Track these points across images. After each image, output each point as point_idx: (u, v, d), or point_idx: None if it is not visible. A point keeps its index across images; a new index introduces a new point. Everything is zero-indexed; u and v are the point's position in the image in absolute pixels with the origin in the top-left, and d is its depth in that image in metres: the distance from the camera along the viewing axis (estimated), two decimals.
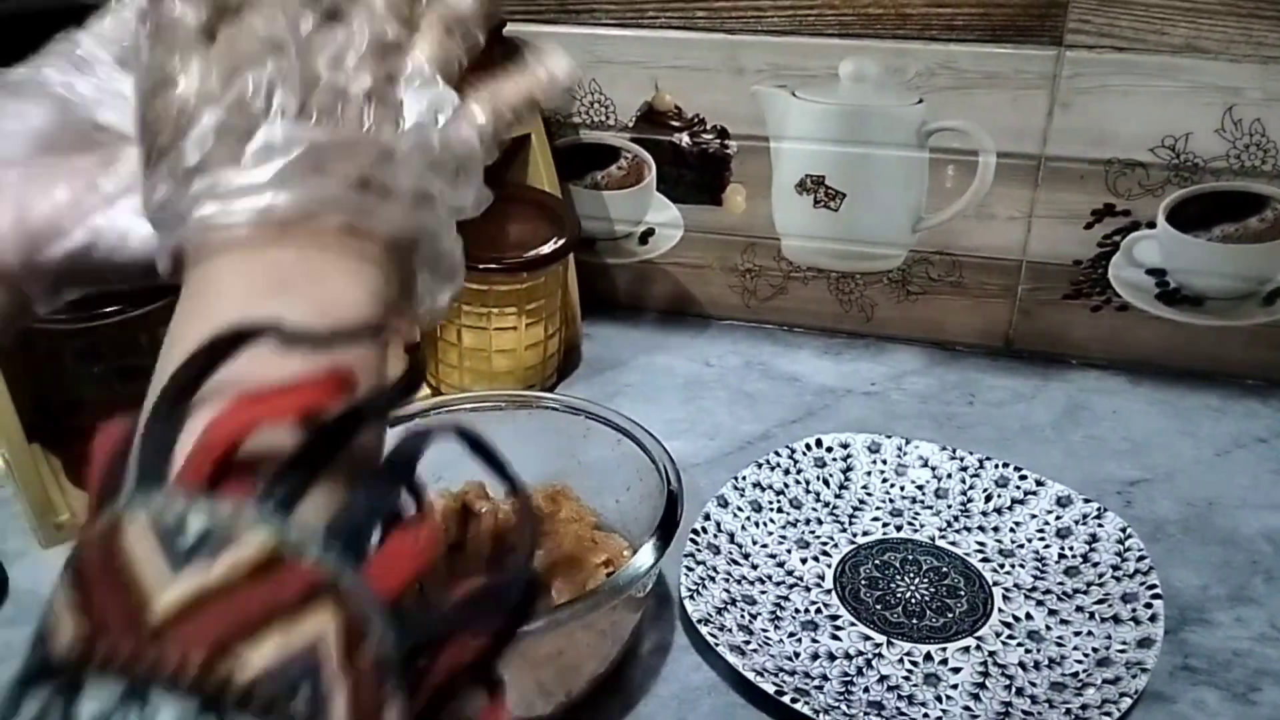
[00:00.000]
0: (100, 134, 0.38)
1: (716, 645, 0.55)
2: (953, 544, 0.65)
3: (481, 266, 0.74)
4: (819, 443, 0.71)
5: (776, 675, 0.55)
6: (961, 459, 0.70)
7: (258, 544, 0.23)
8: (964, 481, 0.69)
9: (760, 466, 0.69)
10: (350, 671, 0.23)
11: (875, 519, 0.67)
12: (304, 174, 0.29)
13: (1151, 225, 0.78)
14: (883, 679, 0.56)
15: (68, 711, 0.21)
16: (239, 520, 0.24)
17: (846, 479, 0.70)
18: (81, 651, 0.22)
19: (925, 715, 0.54)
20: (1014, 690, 0.55)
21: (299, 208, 0.29)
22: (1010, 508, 0.67)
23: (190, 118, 0.30)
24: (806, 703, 0.52)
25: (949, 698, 0.55)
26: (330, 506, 0.25)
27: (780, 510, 0.67)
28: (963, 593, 0.61)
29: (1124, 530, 0.63)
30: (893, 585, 0.62)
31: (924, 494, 0.69)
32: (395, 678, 0.24)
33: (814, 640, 0.58)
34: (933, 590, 0.62)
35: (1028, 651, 0.57)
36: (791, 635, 0.59)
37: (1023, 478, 0.68)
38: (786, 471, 0.69)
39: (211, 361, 0.26)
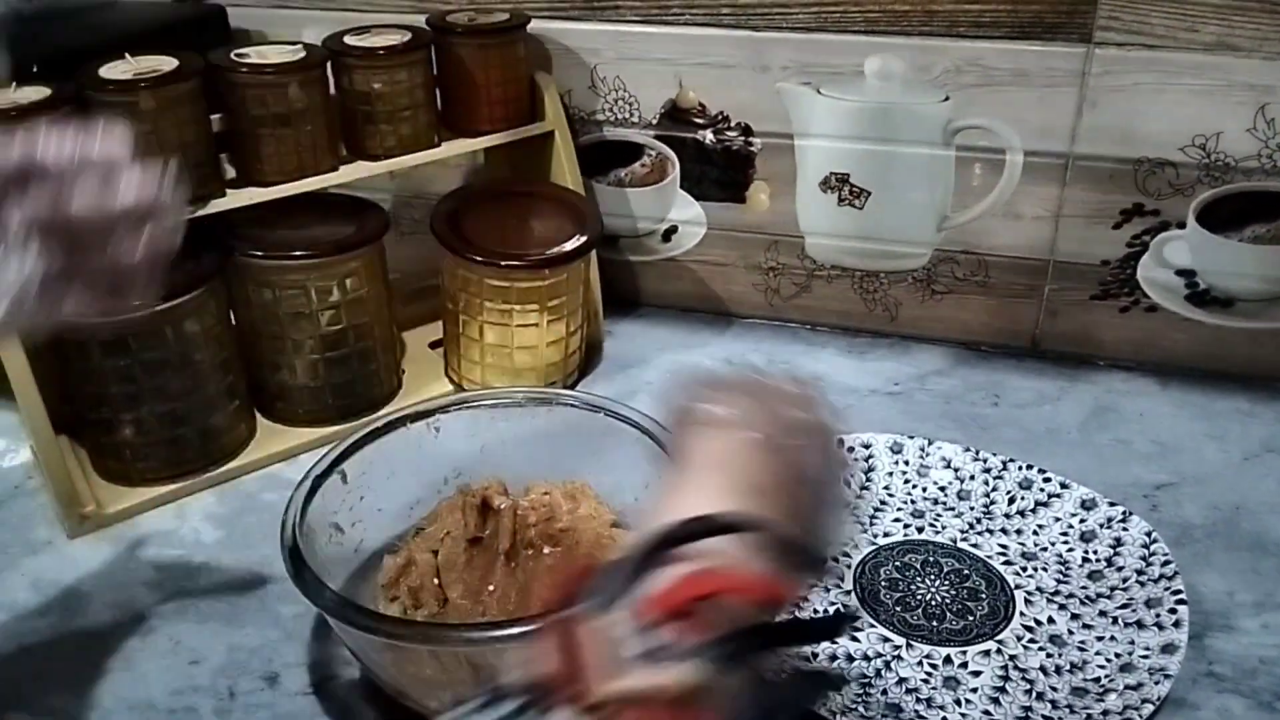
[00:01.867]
0: None
1: None
2: (975, 546, 0.65)
3: (504, 264, 0.75)
4: (841, 442, 0.71)
5: None
6: (985, 460, 0.69)
7: (682, 677, 0.30)
8: (987, 483, 0.68)
9: None
10: None
11: (896, 520, 0.67)
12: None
13: (1181, 225, 0.77)
14: (901, 681, 0.56)
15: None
16: (679, 652, 0.31)
17: (868, 479, 0.70)
18: (543, 690, 0.31)
19: (944, 719, 0.53)
20: (1034, 695, 0.54)
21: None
22: (1034, 510, 0.66)
23: None
24: (824, 704, 0.52)
25: (968, 701, 0.54)
26: (746, 679, 0.32)
27: None
28: (984, 595, 0.61)
29: (1149, 534, 0.62)
30: (913, 587, 0.62)
31: (946, 495, 0.69)
32: None
33: (832, 641, 0.58)
34: (953, 593, 0.61)
35: (1049, 656, 0.57)
36: None
37: (1047, 480, 0.67)
38: None
39: (706, 531, 0.34)
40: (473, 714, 0.31)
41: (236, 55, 0.69)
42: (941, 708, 0.54)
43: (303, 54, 0.70)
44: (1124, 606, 0.59)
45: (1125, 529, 0.63)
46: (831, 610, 0.38)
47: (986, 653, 0.57)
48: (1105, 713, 0.52)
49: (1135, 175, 0.76)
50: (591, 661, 0.31)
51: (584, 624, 0.32)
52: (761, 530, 0.35)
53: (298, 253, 0.71)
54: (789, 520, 0.39)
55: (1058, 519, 0.65)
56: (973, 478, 0.69)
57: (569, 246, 0.76)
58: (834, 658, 0.57)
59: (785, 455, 0.41)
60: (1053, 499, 0.66)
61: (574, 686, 0.30)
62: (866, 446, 0.71)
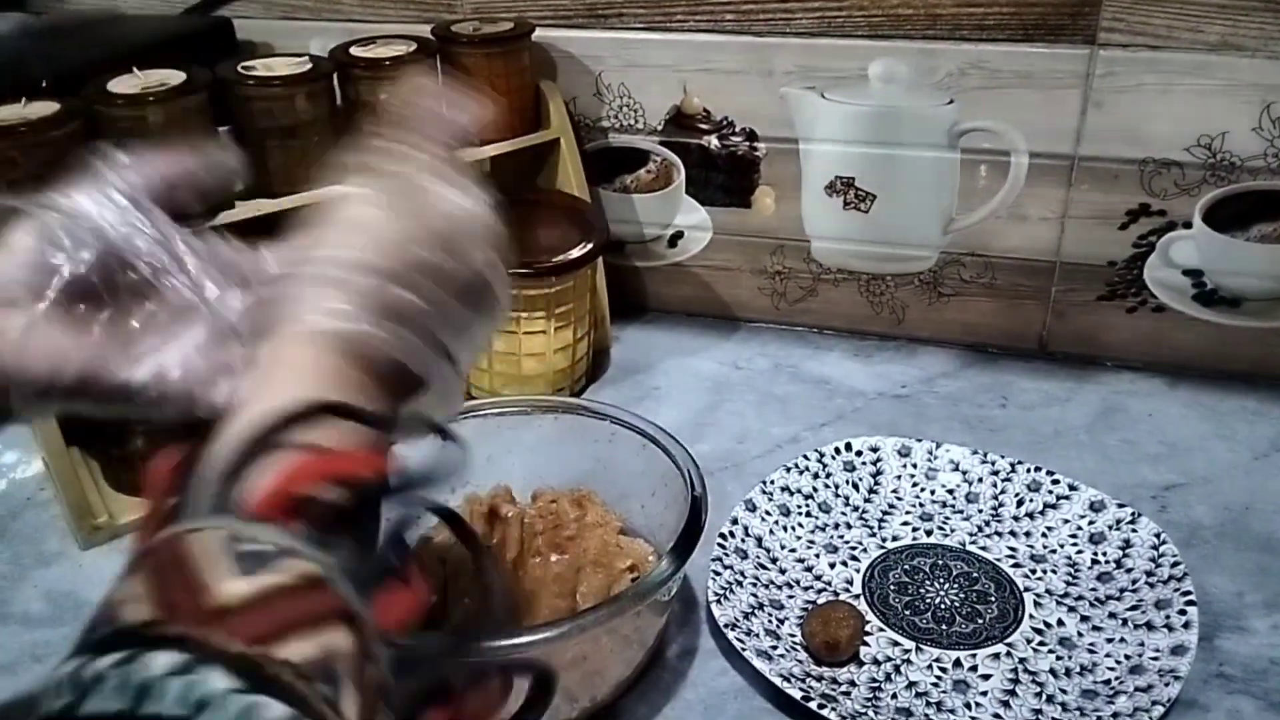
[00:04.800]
0: (127, 279, 0.41)
1: (743, 650, 0.55)
2: (983, 549, 0.65)
3: (511, 271, 0.75)
4: (849, 446, 0.71)
5: (804, 680, 0.55)
6: (993, 463, 0.69)
7: (306, 568, 0.29)
8: (995, 486, 0.68)
9: (789, 470, 0.69)
10: (359, 685, 0.28)
11: (905, 523, 0.67)
12: (375, 314, 0.36)
13: (1188, 225, 0.77)
14: (911, 685, 0.56)
15: (144, 663, 0.26)
16: (294, 547, 0.29)
17: (876, 483, 0.70)
18: (155, 624, 0.27)
19: None
20: (1044, 698, 0.54)
21: (364, 334, 0.36)
22: (1042, 512, 0.66)
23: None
24: (834, 709, 0.52)
25: (978, 705, 0.54)
26: (350, 555, 0.31)
27: (809, 514, 0.67)
28: (993, 598, 0.61)
29: (1158, 536, 0.62)
30: (922, 590, 0.62)
31: (954, 498, 0.69)
32: (388, 703, 0.29)
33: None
34: (963, 596, 0.61)
35: (1059, 658, 0.57)
36: None
37: (1055, 482, 0.67)
38: (816, 475, 0.69)
39: (292, 420, 0.33)
40: (75, 668, 0.26)
41: (244, 68, 0.70)
42: (952, 711, 0.54)
43: (309, 65, 0.71)
44: (1133, 608, 0.59)
45: (1134, 530, 0.63)
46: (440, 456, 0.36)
47: (996, 656, 0.57)
48: (1115, 715, 0.52)
49: (1141, 176, 0.76)
50: (200, 580, 0.28)
51: (184, 539, 0.29)
52: (355, 412, 0.34)
53: None
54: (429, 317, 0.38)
55: (1066, 521, 0.65)
56: (981, 480, 0.69)
57: (575, 254, 0.76)
58: (843, 662, 0.57)
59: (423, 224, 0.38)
60: (1061, 501, 0.66)
61: (185, 616, 0.27)
62: (874, 450, 0.71)
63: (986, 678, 0.56)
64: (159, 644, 0.26)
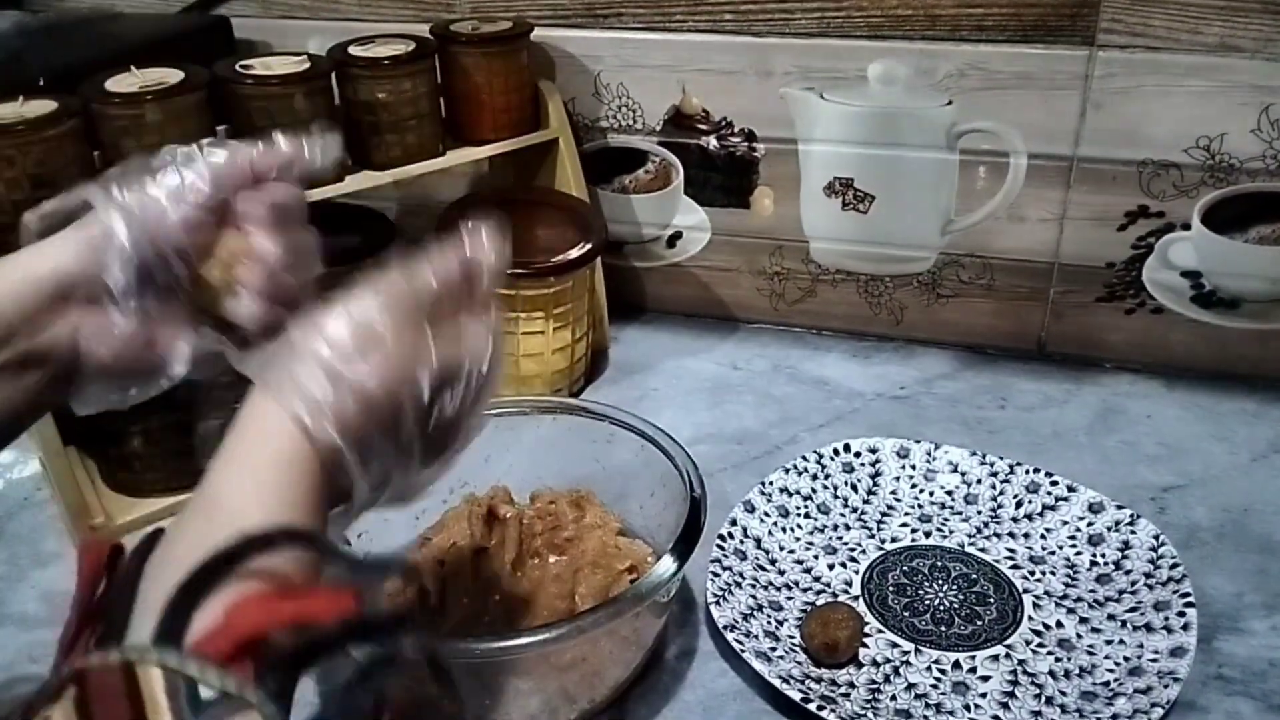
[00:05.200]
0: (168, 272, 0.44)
1: (742, 651, 0.55)
2: (982, 550, 0.64)
3: (509, 271, 0.74)
4: (847, 447, 0.71)
5: (803, 682, 0.54)
6: (992, 464, 0.69)
7: None
8: (994, 487, 0.68)
9: (788, 471, 0.68)
10: None
11: (904, 525, 0.67)
12: (351, 435, 0.36)
13: (1186, 227, 0.77)
14: (910, 687, 0.55)
15: None
16: (244, 696, 0.27)
17: (875, 484, 0.70)
18: None
19: None
20: (1044, 699, 0.54)
21: (331, 450, 0.36)
22: (1041, 514, 0.66)
23: None
24: (833, 710, 0.52)
25: (977, 706, 0.54)
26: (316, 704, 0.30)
27: (807, 516, 0.67)
28: (992, 600, 0.61)
29: (1157, 537, 0.62)
30: (921, 592, 0.62)
31: (953, 500, 0.68)
32: None
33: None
34: (962, 597, 0.61)
35: (1058, 660, 0.57)
36: None
37: (1054, 483, 0.67)
38: (814, 477, 0.69)
39: (251, 548, 0.31)
40: None
41: (241, 67, 0.70)
42: (951, 713, 0.54)
43: (307, 65, 0.71)
44: (1132, 610, 0.59)
45: (1133, 532, 0.63)
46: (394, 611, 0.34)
47: (995, 657, 0.57)
48: (1115, 717, 0.52)
49: (1139, 177, 0.76)
50: None
51: (126, 671, 0.27)
52: (315, 544, 0.33)
53: None
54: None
55: (1065, 522, 0.65)
56: (979, 481, 0.69)
57: (574, 254, 0.76)
58: (842, 664, 0.57)
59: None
60: (1060, 502, 0.66)
61: None
62: (873, 451, 0.71)
63: (986, 679, 0.56)
64: None
